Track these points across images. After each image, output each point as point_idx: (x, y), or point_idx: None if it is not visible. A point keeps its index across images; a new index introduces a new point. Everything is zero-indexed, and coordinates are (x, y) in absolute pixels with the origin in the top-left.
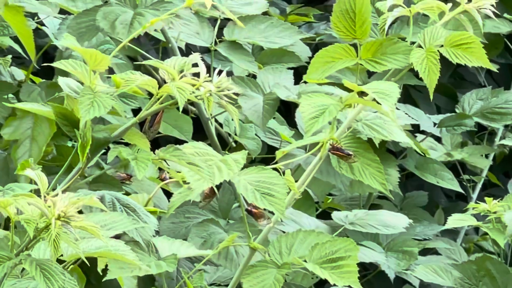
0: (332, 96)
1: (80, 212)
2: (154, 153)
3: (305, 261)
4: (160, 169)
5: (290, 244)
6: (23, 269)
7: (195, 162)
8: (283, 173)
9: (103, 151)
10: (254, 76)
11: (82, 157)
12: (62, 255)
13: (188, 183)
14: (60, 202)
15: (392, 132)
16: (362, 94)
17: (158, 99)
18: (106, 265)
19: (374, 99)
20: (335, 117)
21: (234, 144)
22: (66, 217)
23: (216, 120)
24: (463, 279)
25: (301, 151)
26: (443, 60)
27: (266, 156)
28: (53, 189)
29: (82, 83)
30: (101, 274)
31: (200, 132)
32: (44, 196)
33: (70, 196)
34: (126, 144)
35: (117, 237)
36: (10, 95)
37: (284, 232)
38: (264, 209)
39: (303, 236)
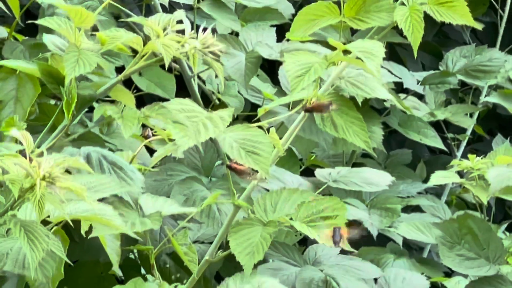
0: (317, 54)
1: (68, 172)
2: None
3: (291, 219)
4: (143, 126)
5: (275, 202)
6: (9, 228)
7: (180, 120)
8: (268, 131)
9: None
10: (237, 34)
11: (67, 114)
12: (49, 216)
13: (174, 140)
14: (45, 163)
15: (374, 89)
16: (345, 52)
17: (143, 56)
18: (90, 226)
19: (358, 57)
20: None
21: (217, 102)
22: (51, 177)
23: (199, 78)
24: (444, 237)
25: (284, 109)
26: (428, 18)
27: (250, 114)
28: (38, 148)
29: (67, 41)
30: (84, 235)
31: (183, 90)
32: (30, 156)
33: (56, 157)
34: (111, 102)
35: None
36: None
37: (267, 190)
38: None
39: (287, 194)
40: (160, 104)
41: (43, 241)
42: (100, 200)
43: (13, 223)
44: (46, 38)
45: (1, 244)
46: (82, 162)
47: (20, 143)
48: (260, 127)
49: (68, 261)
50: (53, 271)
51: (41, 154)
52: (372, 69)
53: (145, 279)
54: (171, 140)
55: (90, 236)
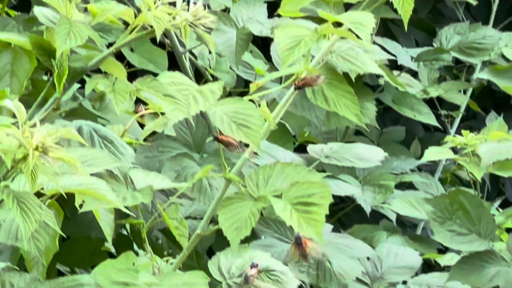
0: (307, 27)
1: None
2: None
3: (280, 196)
4: (135, 102)
5: (268, 176)
6: (2, 200)
7: (172, 94)
8: (259, 105)
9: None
10: (230, 11)
11: (58, 87)
12: (43, 189)
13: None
14: (38, 133)
15: (365, 63)
16: (336, 24)
17: (134, 28)
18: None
19: (349, 29)
20: (310, 49)
21: (210, 78)
22: (44, 148)
23: (192, 54)
24: (435, 213)
25: (276, 85)
26: None
27: (244, 90)
28: (29, 119)
29: (58, 13)
30: (78, 208)
31: (175, 66)
32: (23, 127)
33: (49, 128)
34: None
35: None
36: None
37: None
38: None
39: (280, 168)
40: (151, 77)
41: (36, 213)
42: (93, 174)
43: (6, 194)
44: (37, 11)
45: None
46: (75, 133)
47: (13, 115)
48: (251, 100)
49: (62, 233)
50: (46, 243)
51: (34, 125)
52: (362, 39)
53: (137, 255)
54: (162, 114)
55: (82, 210)
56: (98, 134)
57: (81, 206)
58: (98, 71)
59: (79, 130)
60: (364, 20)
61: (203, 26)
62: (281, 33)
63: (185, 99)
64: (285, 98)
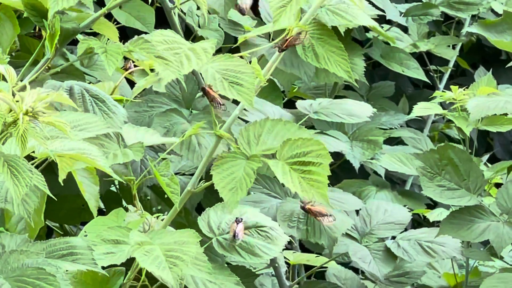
0: None
1: (55, 108)
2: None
3: (275, 156)
4: (125, 58)
5: (258, 133)
6: None
7: (163, 55)
8: (250, 62)
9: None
10: None
11: (50, 48)
12: (33, 152)
13: (155, 71)
14: (28, 97)
15: (356, 16)
16: None
17: None
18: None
19: None
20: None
21: (199, 34)
22: (34, 112)
23: (182, 11)
24: (425, 168)
25: (265, 41)
26: None
27: (232, 46)
28: (21, 81)
29: None
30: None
31: (164, 24)
32: (13, 91)
33: (39, 91)
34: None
35: None
36: None
37: (247, 122)
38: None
39: (270, 125)
40: (143, 39)
41: (26, 176)
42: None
43: None
44: None
45: None
46: (65, 96)
47: (4, 79)
48: (242, 57)
49: (52, 196)
50: (35, 206)
51: (24, 88)
52: None
53: (127, 211)
54: (152, 71)
55: (60, 178)
56: (90, 93)
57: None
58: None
59: (71, 90)
60: None
61: None
62: None
63: (177, 58)
64: (275, 56)
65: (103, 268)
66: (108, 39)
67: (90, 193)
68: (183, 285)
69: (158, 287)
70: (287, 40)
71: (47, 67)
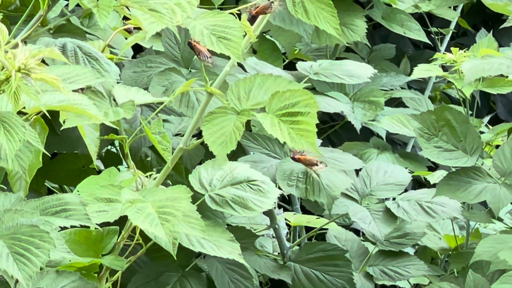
0: None
1: (44, 63)
2: None
3: (264, 110)
4: (124, 19)
5: (248, 88)
6: None
7: (156, 8)
8: (239, 18)
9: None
10: None
11: (43, 4)
12: (24, 108)
13: None
14: (20, 54)
15: None
16: None
17: None
18: None
19: None
20: None
21: None
22: (26, 69)
23: None
24: (422, 129)
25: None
26: None
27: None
28: (14, 38)
29: None
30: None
31: None
32: (5, 48)
33: (31, 48)
34: None
35: (81, 88)
36: None
37: None
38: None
39: (260, 80)
40: None
41: (20, 132)
42: (75, 91)
43: None
44: None
45: None
46: (57, 53)
47: None
48: (231, 13)
49: (45, 152)
50: (29, 162)
51: (17, 46)
52: None
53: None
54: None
55: (64, 126)
56: (82, 51)
57: (65, 122)
58: None
59: (63, 48)
60: None
61: None
62: None
63: (169, 12)
64: (261, 17)
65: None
66: None
67: (90, 138)
68: (177, 242)
69: (152, 245)
70: (258, 7)
71: (41, 24)
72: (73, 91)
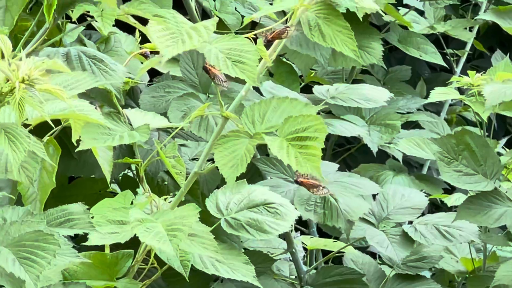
0: None
1: (49, 71)
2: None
3: (276, 133)
4: (141, 43)
5: (263, 112)
6: None
7: (161, 13)
8: (256, 42)
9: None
10: None
11: (48, 17)
12: (27, 119)
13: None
14: (24, 66)
15: None
16: None
17: None
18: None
19: None
20: None
21: (217, 19)
22: (30, 80)
23: None
24: (442, 153)
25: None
26: None
27: (251, 31)
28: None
29: None
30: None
31: (181, 8)
32: (9, 60)
33: (35, 60)
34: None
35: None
36: None
37: None
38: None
39: (276, 103)
40: (140, 0)
41: (24, 142)
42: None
43: None
44: None
45: None
46: (60, 64)
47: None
48: (247, 37)
49: (52, 162)
50: (36, 173)
51: (20, 58)
52: None
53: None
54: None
55: (78, 149)
56: (86, 55)
57: (78, 141)
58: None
59: (67, 55)
60: None
61: None
62: None
63: (179, 35)
64: (277, 41)
65: (111, 250)
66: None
67: (104, 157)
68: (189, 264)
69: (169, 269)
70: (273, 32)
71: (47, 37)
72: None
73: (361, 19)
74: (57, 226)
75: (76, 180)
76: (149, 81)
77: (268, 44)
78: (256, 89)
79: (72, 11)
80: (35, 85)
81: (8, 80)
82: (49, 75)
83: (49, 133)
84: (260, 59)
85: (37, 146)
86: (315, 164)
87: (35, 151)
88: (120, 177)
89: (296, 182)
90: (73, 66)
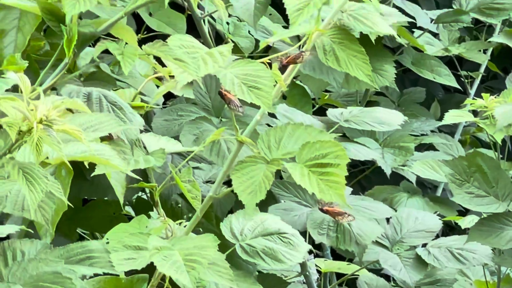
0: None
1: (70, 110)
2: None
3: (294, 159)
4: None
5: (279, 138)
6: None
7: (181, 57)
8: (270, 67)
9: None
10: None
11: (68, 52)
12: (47, 158)
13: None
14: (42, 106)
15: (376, 23)
16: None
17: None
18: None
19: None
20: (320, 9)
21: (230, 42)
22: (48, 120)
23: (212, 17)
24: (454, 175)
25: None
26: None
27: (263, 54)
28: (41, 84)
29: None
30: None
31: (195, 30)
32: (27, 99)
33: (53, 99)
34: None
35: (111, 136)
36: None
37: None
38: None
39: (291, 130)
40: (161, 42)
41: (42, 183)
42: (104, 138)
43: (11, 165)
44: None
45: (0, 187)
46: (80, 103)
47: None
48: (262, 62)
49: (66, 201)
50: (52, 212)
51: (38, 97)
52: None
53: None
54: (171, 77)
55: (94, 173)
56: (107, 99)
57: (91, 165)
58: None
59: (89, 96)
60: None
61: None
62: None
63: (194, 62)
64: (292, 66)
65: (125, 273)
66: (126, 42)
67: (116, 179)
68: None
69: None
70: (288, 57)
71: (67, 70)
72: (101, 138)
73: (374, 42)
74: (77, 264)
75: (90, 202)
76: (163, 103)
77: (283, 68)
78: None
79: (91, 44)
80: (53, 125)
81: (26, 119)
82: (70, 114)
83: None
84: (275, 84)
85: (55, 186)
86: (339, 191)
87: (53, 191)
88: (134, 200)
89: (321, 210)
90: (93, 109)
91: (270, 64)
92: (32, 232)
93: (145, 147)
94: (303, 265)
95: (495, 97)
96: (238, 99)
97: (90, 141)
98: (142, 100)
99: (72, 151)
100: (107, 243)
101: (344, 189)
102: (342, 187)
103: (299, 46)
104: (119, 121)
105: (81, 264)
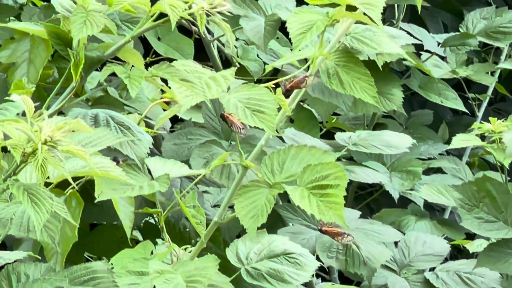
0: (319, 12)
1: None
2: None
3: (295, 182)
4: (162, 92)
5: (282, 161)
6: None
7: (188, 78)
8: (275, 91)
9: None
10: None
11: (75, 76)
12: (48, 177)
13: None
14: (46, 127)
15: (381, 43)
16: (352, 9)
17: (151, 17)
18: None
19: (364, 13)
20: (324, 32)
21: (238, 65)
22: (52, 141)
23: (220, 41)
24: (463, 200)
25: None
26: None
27: (271, 78)
28: (47, 108)
29: (75, 2)
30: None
31: (203, 53)
32: (31, 121)
33: (57, 120)
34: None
35: (117, 161)
36: (12, 18)
37: None
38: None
39: (295, 152)
40: (167, 63)
41: (47, 203)
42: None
43: (16, 187)
44: (54, 0)
45: (5, 210)
46: (83, 124)
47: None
48: (266, 86)
49: (74, 223)
50: (58, 232)
51: (43, 119)
52: (373, 19)
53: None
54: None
55: (98, 199)
56: (115, 120)
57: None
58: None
59: (96, 117)
60: (374, 0)
61: (220, 13)
62: (293, 18)
63: (198, 86)
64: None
65: None
66: (133, 66)
67: (125, 213)
68: None
69: None
70: (292, 81)
71: (74, 94)
72: None
73: (380, 67)
74: (81, 285)
75: (98, 227)
76: (170, 128)
77: (287, 92)
78: (279, 136)
79: (98, 69)
80: (57, 146)
81: (30, 141)
82: (71, 133)
83: (72, 186)
84: (279, 108)
85: (60, 206)
86: (338, 212)
87: (58, 212)
88: (142, 224)
89: (320, 231)
90: None
91: (277, 87)
92: (40, 258)
93: (150, 172)
94: (309, 286)
95: (503, 121)
96: (242, 123)
97: (90, 154)
98: (147, 125)
99: (72, 167)
100: (112, 268)
101: (343, 209)
102: (341, 208)
103: (306, 68)
104: (116, 134)
105: (85, 285)
